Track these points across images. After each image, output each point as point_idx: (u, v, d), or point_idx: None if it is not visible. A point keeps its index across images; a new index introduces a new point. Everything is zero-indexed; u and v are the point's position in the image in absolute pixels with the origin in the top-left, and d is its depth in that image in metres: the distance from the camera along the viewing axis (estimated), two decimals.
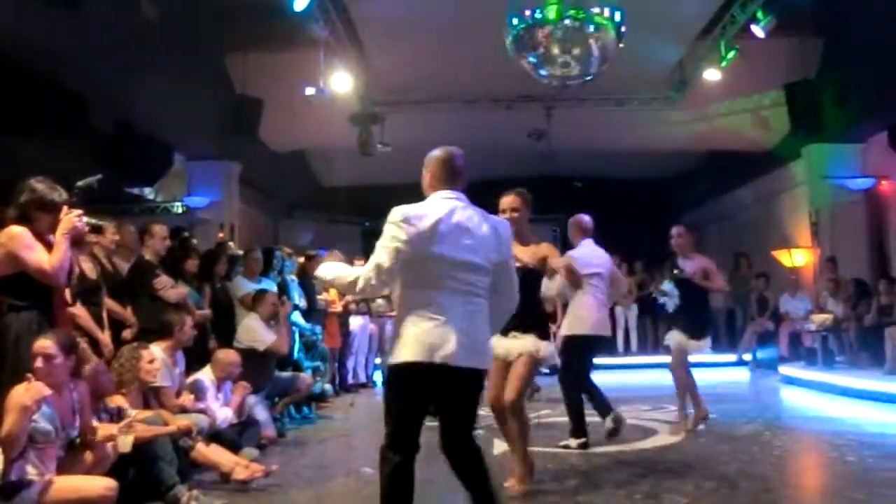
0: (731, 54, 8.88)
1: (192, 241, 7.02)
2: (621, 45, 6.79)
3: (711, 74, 9.48)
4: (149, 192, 12.37)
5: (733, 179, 12.78)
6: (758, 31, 8.18)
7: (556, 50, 6.46)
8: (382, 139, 11.13)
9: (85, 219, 3.85)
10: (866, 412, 6.94)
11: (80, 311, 4.55)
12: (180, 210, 11.71)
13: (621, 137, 11.60)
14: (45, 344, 3.42)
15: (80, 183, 3.91)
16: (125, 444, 3.74)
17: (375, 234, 11.83)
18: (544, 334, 4.36)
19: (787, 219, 11.69)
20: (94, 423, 3.78)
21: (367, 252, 11.58)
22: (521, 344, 4.21)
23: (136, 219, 8.48)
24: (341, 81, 9.30)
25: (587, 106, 10.95)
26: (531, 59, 6.72)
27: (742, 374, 10.23)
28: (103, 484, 3.41)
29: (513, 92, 10.72)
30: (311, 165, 14.10)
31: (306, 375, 6.60)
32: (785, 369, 9.41)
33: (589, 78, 6.94)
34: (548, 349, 4.35)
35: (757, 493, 4.16)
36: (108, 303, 5.04)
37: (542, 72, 6.67)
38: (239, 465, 4.45)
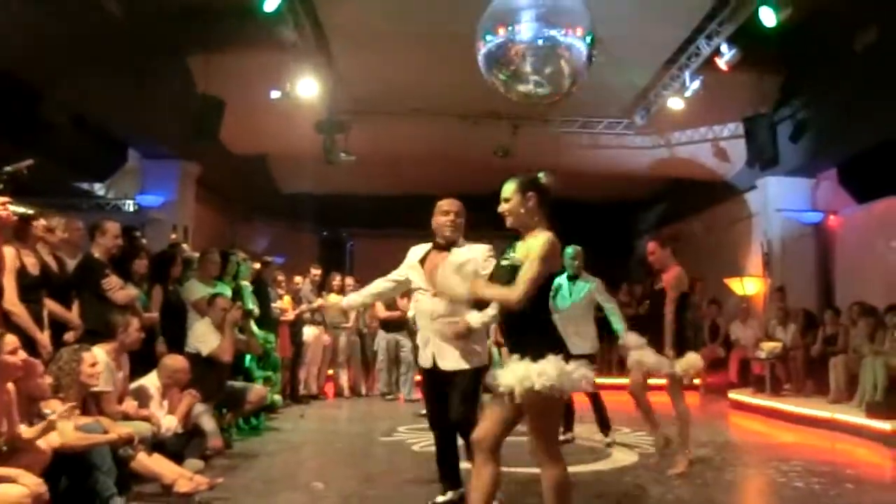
0: (694, 84, 9.03)
1: (141, 240, 6.80)
2: (591, 67, 6.83)
3: (675, 103, 9.64)
4: (99, 189, 12.02)
5: (690, 206, 13.00)
6: (721, 63, 8.34)
7: (527, 68, 6.46)
8: (346, 148, 11.02)
9: (12, 207, 3.66)
10: (812, 439, 7.14)
11: (17, 308, 4.35)
12: (132, 208, 11.38)
13: (583, 159, 11.70)
14: None
15: (7, 168, 3.72)
16: (65, 430, 3.56)
17: (335, 242, 11.70)
18: None
19: (740, 248, 11.92)
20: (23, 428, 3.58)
21: (324, 261, 11.42)
22: None
23: (85, 215, 8.21)
24: (307, 87, 9.18)
25: (552, 126, 11.04)
26: (502, 76, 6.71)
27: (692, 399, 10.30)
28: (24, 490, 3.18)
29: (480, 108, 10.72)
30: (271, 171, 13.88)
31: (260, 387, 6.42)
32: (734, 395, 9.55)
33: (556, 98, 6.96)
34: None
35: None
36: (50, 303, 4.82)
37: (513, 89, 6.65)
38: (182, 476, 4.26)
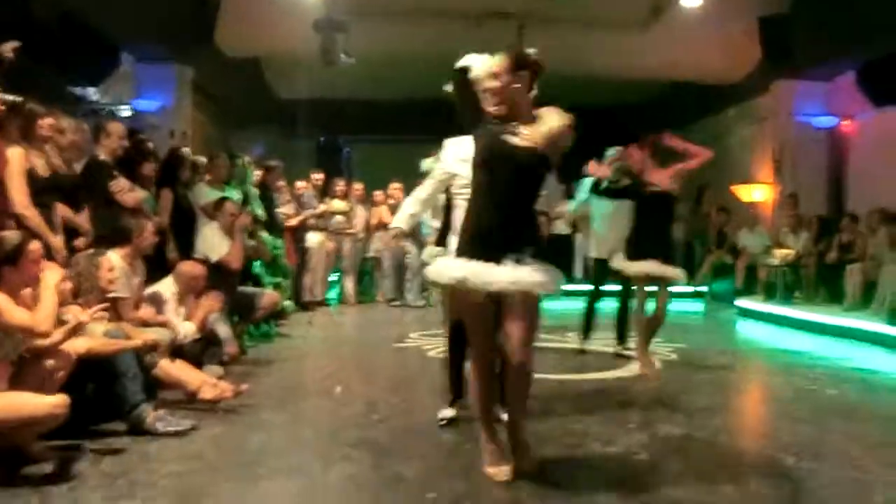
0: None
1: (148, 143, 6.53)
2: None
3: (690, 1, 9.19)
4: (93, 93, 11.56)
5: (697, 111, 12.66)
6: None
7: None
8: (346, 49, 10.54)
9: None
10: (828, 346, 7.07)
11: (29, 211, 4.15)
12: (128, 113, 10.96)
13: (591, 62, 11.24)
14: None
15: None
16: (94, 331, 3.48)
17: (332, 148, 11.35)
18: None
19: (750, 154, 11.69)
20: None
21: (321, 167, 11.16)
22: None
23: (80, 120, 7.86)
24: None
25: (559, 27, 10.55)
26: None
27: (698, 306, 10.35)
28: (51, 401, 3.06)
29: (484, 8, 10.25)
30: (266, 75, 13.37)
31: (271, 293, 6.30)
32: (742, 302, 9.56)
33: None
34: None
35: (755, 422, 4.14)
36: (61, 207, 4.61)
37: None
38: (206, 383, 4.18)
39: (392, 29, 10.44)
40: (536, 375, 3.66)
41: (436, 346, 6.54)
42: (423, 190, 4.04)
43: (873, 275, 7.89)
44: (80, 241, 4.76)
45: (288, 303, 7.33)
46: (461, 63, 3.42)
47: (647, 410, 4.39)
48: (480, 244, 3.02)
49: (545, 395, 4.54)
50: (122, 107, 11.05)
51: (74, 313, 3.77)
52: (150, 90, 10.87)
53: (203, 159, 7.04)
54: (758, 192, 11.20)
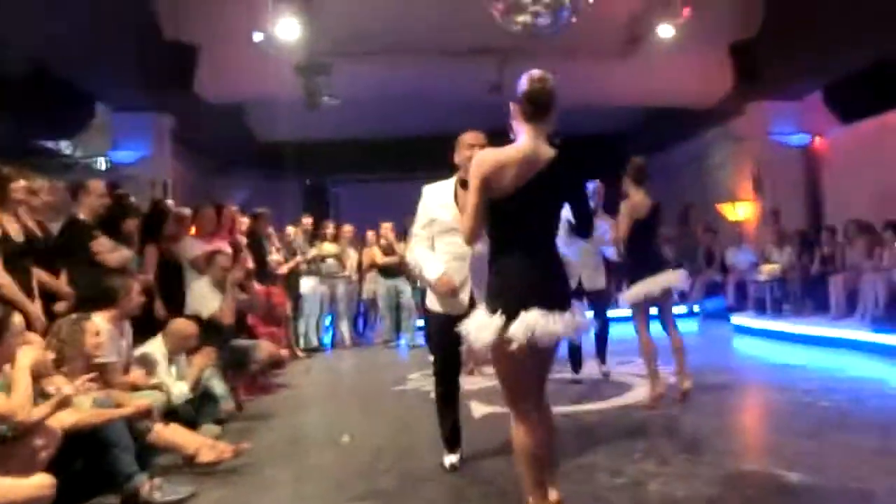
0: (686, 11, 8.76)
1: (129, 198, 6.44)
2: (591, 1, 6.49)
3: (665, 30, 9.32)
4: (66, 147, 11.45)
5: (676, 134, 12.80)
6: None
7: None
8: (329, 91, 10.55)
9: None
10: (819, 357, 7.16)
11: (4, 279, 4.04)
12: (104, 166, 10.90)
13: (571, 92, 11.24)
14: None
15: None
16: (81, 405, 3.35)
17: (318, 190, 11.24)
18: None
19: (730, 173, 11.81)
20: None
21: (308, 210, 11.04)
22: None
23: (52, 176, 7.73)
24: (287, 28, 8.67)
25: (540, 60, 10.59)
26: (500, 6, 6.31)
27: (692, 326, 10.31)
28: (34, 483, 2.94)
29: (466, 44, 10.30)
30: (248, 119, 13.35)
31: (267, 343, 6.19)
32: (736, 319, 9.58)
33: (555, 31, 6.60)
34: None
35: (757, 441, 4.12)
36: (37, 272, 4.50)
37: (511, 20, 6.28)
38: (204, 445, 4.06)
39: (374, 69, 10.44)
40: None
41: None
42: (420, 241, 3.92)
43: (854, 284, 8.01)
44: (60, 306, 4.66)
45: (283, 352, 7.12)
46: None
47: (652, 438, 4.38)
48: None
49: None
50: (98, 159, 10.98)
51: (58, 385, 3.66)
52: (127, 140, 10.81)
53: (187, 211, 6.95)
54: (742, 210, 11.28)
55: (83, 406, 3.44)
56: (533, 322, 2.63)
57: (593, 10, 8.48)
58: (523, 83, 2.84)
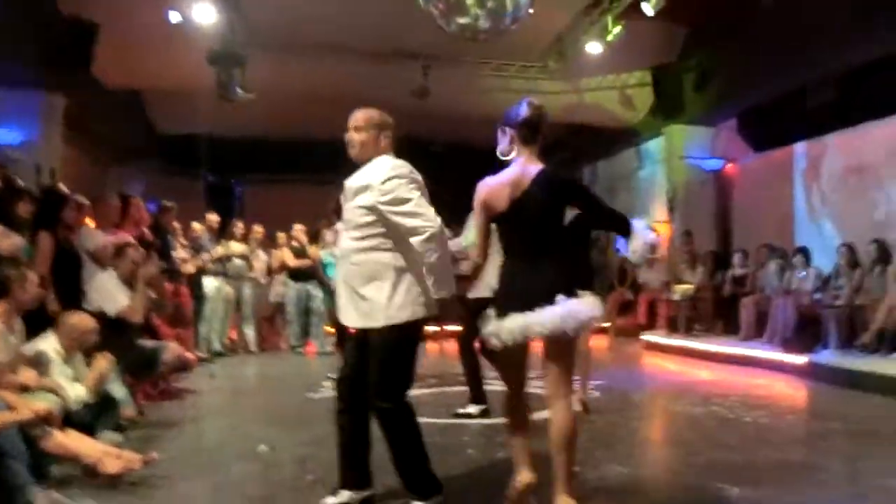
0: (617, 29, 8.87)
1: (18, 180, 5.78)
2: (531, 11, 6.45)
3: (594, 48, 9.45)
4: None
5: (595, 153, 13.03)
6: (647, 9, 8.18)
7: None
8: (243, 84, 10.02)
9: None
10: (732, 375, 7.35)
11: None
12: None
13: (494, 103, 11.29)
14: None
15: None
16: None
17: (222, 188, 10.61)
18: None
19: (645, 194, 12.09)
20: None
21: (211, 205, 10.40)
22: None
23: None
24: (204, 13, 8.14)
25: (465, 68, 10.55)
26: (441, 5, 6.14)
27: (604, 342, 10.42)
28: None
29: (390, 47, 10.09)
30: (148, 108, 12.54)
31: (175, 346, 5.66)
32: (647, 336, 9.73)
33: (494, 35, 6.49)
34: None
35: (691, 456, 4.17)
36: None
37: (451, 21, 6.13)
38: (107, 454, 3.59)
39: (293, 64, 10.02)
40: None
41: None
42: None
43: (764, 306, 8.31)
44: None
45: (189, 355, 6.59)
46: None
47: (587, 450, 4.20)
48: None
49: (481, 444, 4.38)
50: None
51: None
52: (11, 120, 9.81)
53: (84, 200, 6.31)
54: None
55: None
56: (510, 325, 2.93)
57: (521, 23, 8.52)
58: (523, 110, 3.08)
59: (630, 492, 3.59)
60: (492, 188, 3.06)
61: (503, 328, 2.93)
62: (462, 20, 6.22)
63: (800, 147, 9.40)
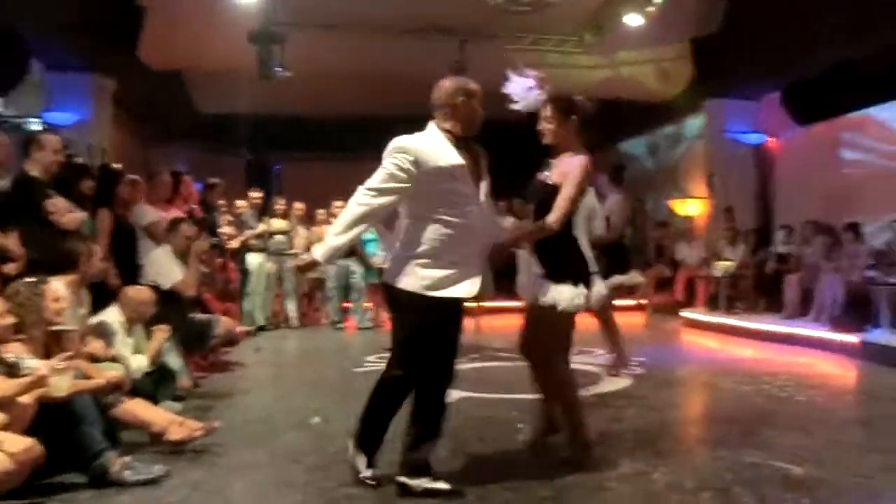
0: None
1: (80, 158, 5.98)
2: None
3: (633, 20, 9.34)
4: None
5: (632, 129, 12.89)
6: None
7: None
8: (282, 62, 10.13)
9: None
10: (776, 354, 7.21)
11: None
12: (38, 127, 10.14)
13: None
14: None
15: None
16: (59, 387, 2.97)
17: (261, 166, 10.78)
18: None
19: (685, 170, 11.96)
20: None
21: (251, 184, 10.51)
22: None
23: None
24: None
25: (501, 43, 10.50)
26: None
27: (640, 319, 10.40)
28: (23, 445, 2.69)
29: (425, 23, 10.08)
30: (190, 88, 12.73)
31: (227, 319, 5.84)
32: (687, 313, 9.68)
33: (534, 8, 6.46)
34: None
35: (747, 435, 4.10)
36: None
37: None
38: (173, 423, 3.75)
39: (330, 42, 10.09)
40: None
41: None
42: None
43: (810, 284, 8.15)
44: (10, 267, 4.27)
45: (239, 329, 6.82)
46: None
47: (637, 429, 4.28)
48: None
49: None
50: (31, 120, 10.22)
51: (15, 351, 3.33)
52: (63, 102, 10.08)
53: (137, 177, 6.51)
54: (692, 207, 11.45)
55: (61, 386, 3.08)
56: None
57: None
58: (582, 103, 3.56)
59: (689, 467, 3.55)
60: None
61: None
62: None
63: (846, 120, 9.19)
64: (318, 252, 3.09)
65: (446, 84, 3.20)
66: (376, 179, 3.05)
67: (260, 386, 5.80)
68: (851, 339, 6.90)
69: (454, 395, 5.03)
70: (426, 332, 3.09)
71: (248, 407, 4.97)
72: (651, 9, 9.02)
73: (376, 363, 6.62)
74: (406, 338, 3.16)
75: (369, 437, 3.30)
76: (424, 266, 3.03)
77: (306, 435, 4.22)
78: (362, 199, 3.03)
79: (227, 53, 10.08)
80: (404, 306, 3.10)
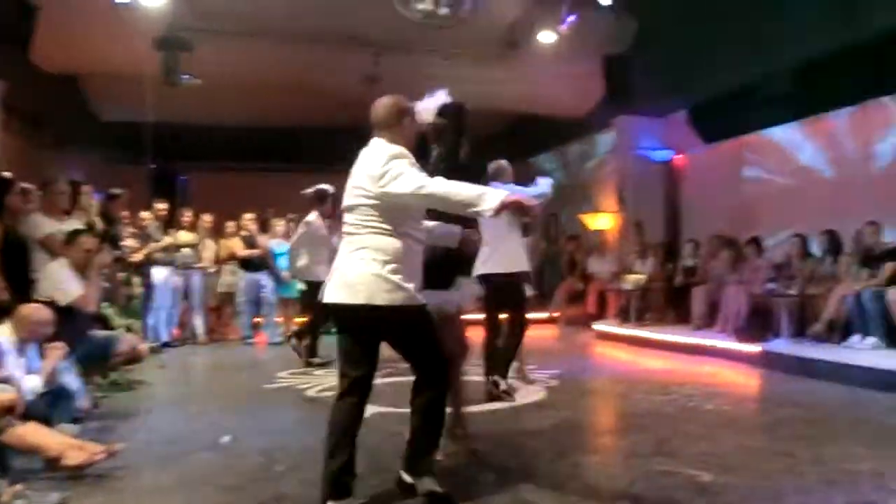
0: (571, 18, 8.97)
1: None
2: None
3: (547, 37, 9.52)
4: None
5: (545, 143, 13.13)
6: None
7: None
8: (189, 70, 9.76)
9: None
10: (685, 364, 7.40)
11: None
12: None
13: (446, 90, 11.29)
14: None
15: None
16: None
17: (166, 177, 10.30)
18: None
19: (596, 184, 12.25)
20: None
21: (155, 194, 10.07)
22: None
23: None
24: None
25: (415, 56, 10.49)
26: None
27: (554, 331, 10.55)
28: None
29: (340, 33, 9.94)
30: (88, 93, 12.11)
31: (131, 336, 5.51)
32: (599, 326, 9.86)
33: (453, 22, 6.47)
34: None
35: (659, 443, 4.18)
36: None
37: (411, 6, 6.09)
38: (71, 446, 3.50)
39: (240, 50, 9.79)
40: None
41: (312, 385, 6.10)
42: None
43: (716, 296, 8.44)
44: None
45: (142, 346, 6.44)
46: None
47: (553, 440, 4.32)
48: None
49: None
50: None
51: None
52: None
53: (30, 186, 6.08)
54: (603, 221, 11.73)
55: None
56: None
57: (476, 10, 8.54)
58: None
59: (603, 477, 3.62)
60: None
61: None
62: (422, 6, 6.18)
63: (748, 139, 9.62)
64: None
65: (390, 103, 3.18)
66: (417, 173, 2.97)
67: (166, 405, 5.50)
68: (754, 348, 7.17)
69: (369, 410, 5.01)
70: (433, 339, 3.14)
71: (153, 427, 4.69)
72: (564, 27, 9.20)
73: (287, 379, 6.46)
74: (427, 351, 3.14)
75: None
76: (403, 280, 2.99)
77: (217, 455, 4.01)
78: (437, 185, 2.93)
79: (130, 58, 9.63)
80: (404, 322, 3.03)
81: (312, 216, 7.33)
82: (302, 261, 7.22)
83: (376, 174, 2.95)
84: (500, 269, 5.16)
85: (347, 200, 3.08)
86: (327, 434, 3.03)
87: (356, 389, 3.06)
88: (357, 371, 3.05)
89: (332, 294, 3.02)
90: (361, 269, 2.96)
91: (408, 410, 3.22)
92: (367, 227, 3.00)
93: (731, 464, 3.75)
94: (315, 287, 7.05)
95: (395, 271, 2.95)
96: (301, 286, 7.76)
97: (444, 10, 6.26)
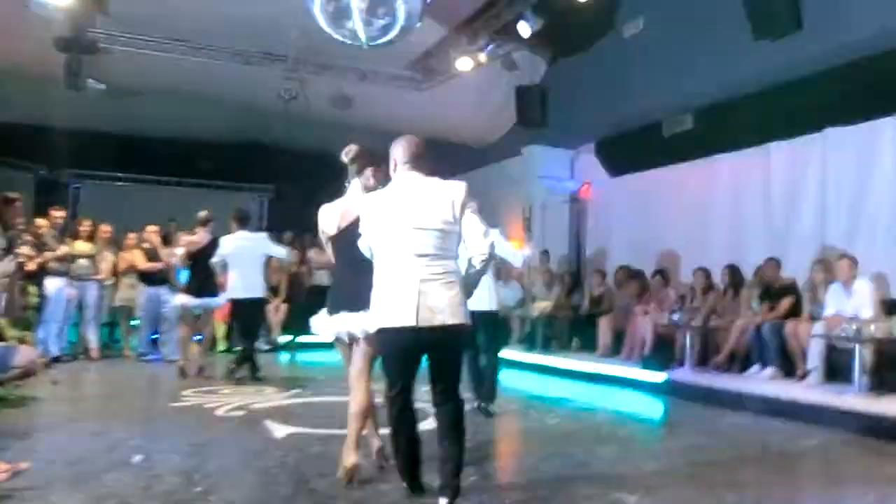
0: (490, 47, 9.19)
1: None
2: (419, 24, 6.52)
3: (464, 63, 9.69)
4: None
5: (454, 168, 13.22)
6: (525, 29, 8.48)
7: (361, 4, 5.90)
8: (92, 74, 9.31)
9: None
10: (593, 391, 7.57)
11: None
12: None
13: (357, 112, 11.25)
14: None
15: None
16: None
17: (54, 184, 9.79)
18: None
19: (502, 212, 12.44)
20: None
21: (40, 205, 9.47)
22: None
23: None
24: None
25: (332, 74, 10.42)
26: (329, 8, 6.03)
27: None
28: None
29: (254, 46, 9.78)
30: None
31: (29, 349, 5.08)
32: (504, 353, 9.89)
33: (381, 42, 6.47)
34: None
35: (581, 468, 4.24)
36: None
37: (338, 25, 6.05)
38: None
39: (149, 58, 9.39)
40: None
41: (221, 405, 5.87)
42: None
43: (621, 325, 8.69)
44: None
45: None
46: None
47: (471, 465, 4.17)
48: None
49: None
50: None
51: None
52: None
53: None
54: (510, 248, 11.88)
55: None
56: None
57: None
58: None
59: (534, 500, 3.59)
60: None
61: None
62: (350, 24, 6.15)
63: (653, 174, 10.00)
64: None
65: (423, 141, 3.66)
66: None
67: (64, 423, 5.10)
68: (659, 376, 7.40)
69: (284, 430, 4.87)
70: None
71: (54, 446, 4.35)
72: (483, 57, 9.41)
73: (193, 398, 6.19)
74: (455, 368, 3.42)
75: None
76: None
77: (130, 476, 3.76)
78: None
79: (25, 58, 9.12)
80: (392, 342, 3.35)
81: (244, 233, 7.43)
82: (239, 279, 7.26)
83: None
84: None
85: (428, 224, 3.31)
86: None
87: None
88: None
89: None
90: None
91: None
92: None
93: (652, 485, 3.84)
94: (246, 305, 7.17)
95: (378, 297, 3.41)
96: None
97: (372, 32, 6.23)
